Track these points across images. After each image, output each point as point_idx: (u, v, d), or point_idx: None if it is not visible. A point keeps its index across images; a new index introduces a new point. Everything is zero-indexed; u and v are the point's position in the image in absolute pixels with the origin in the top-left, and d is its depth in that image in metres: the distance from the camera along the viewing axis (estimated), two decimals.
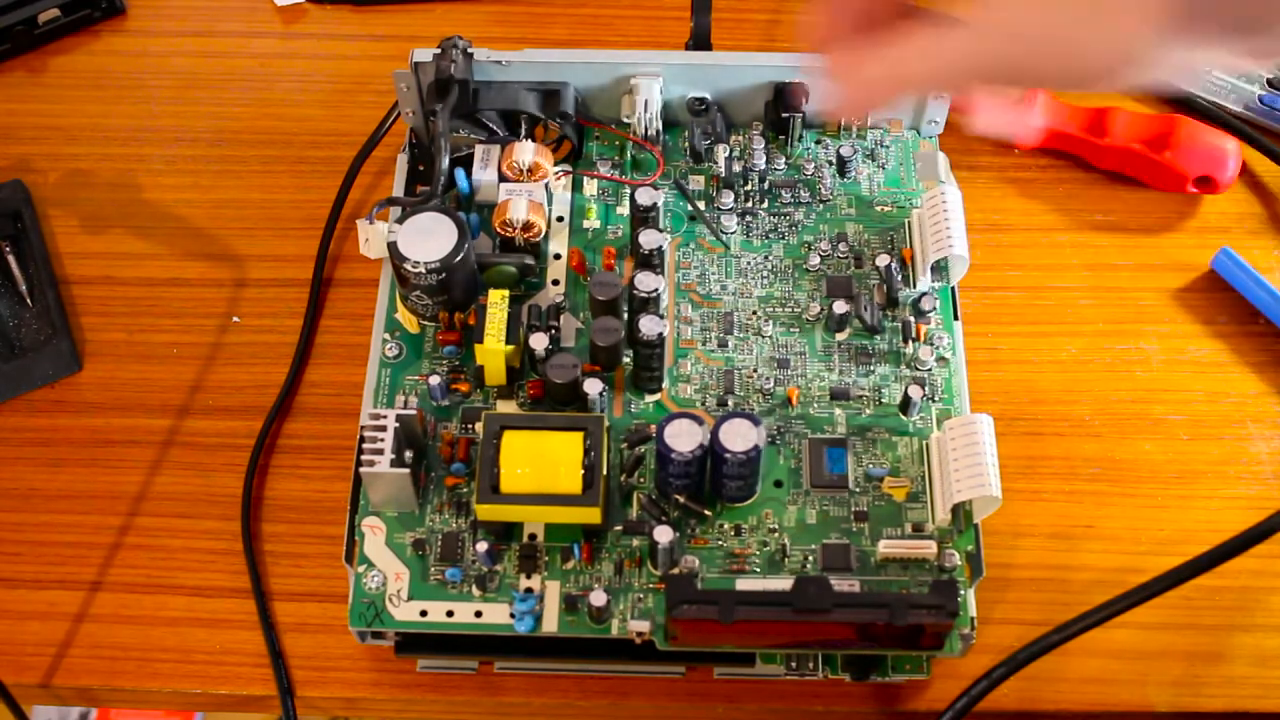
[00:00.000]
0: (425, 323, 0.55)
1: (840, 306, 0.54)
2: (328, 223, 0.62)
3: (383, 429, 0.49)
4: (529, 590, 0.49)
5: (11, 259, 0.61)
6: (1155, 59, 0.35)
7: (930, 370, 0.54)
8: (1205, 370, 0.58)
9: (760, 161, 0.59)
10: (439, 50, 0.57)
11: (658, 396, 0.53)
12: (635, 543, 0.50)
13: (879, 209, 0.58)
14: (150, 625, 0.53)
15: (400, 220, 0.52)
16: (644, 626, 0.48)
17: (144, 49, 0.69)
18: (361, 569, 0.49)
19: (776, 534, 0.50)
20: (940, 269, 0.56)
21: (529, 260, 0.55)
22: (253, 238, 0.62)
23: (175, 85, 0.68)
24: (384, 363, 0.54)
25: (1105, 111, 0.62)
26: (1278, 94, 0.64)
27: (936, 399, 0.53)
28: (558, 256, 0.57)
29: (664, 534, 0.48)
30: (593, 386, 0.51)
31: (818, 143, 0.60)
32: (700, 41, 0.62)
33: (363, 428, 0.50)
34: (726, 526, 0.50)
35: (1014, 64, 0.38)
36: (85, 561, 0.54)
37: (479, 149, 0.58)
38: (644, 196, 0.55)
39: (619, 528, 0.50)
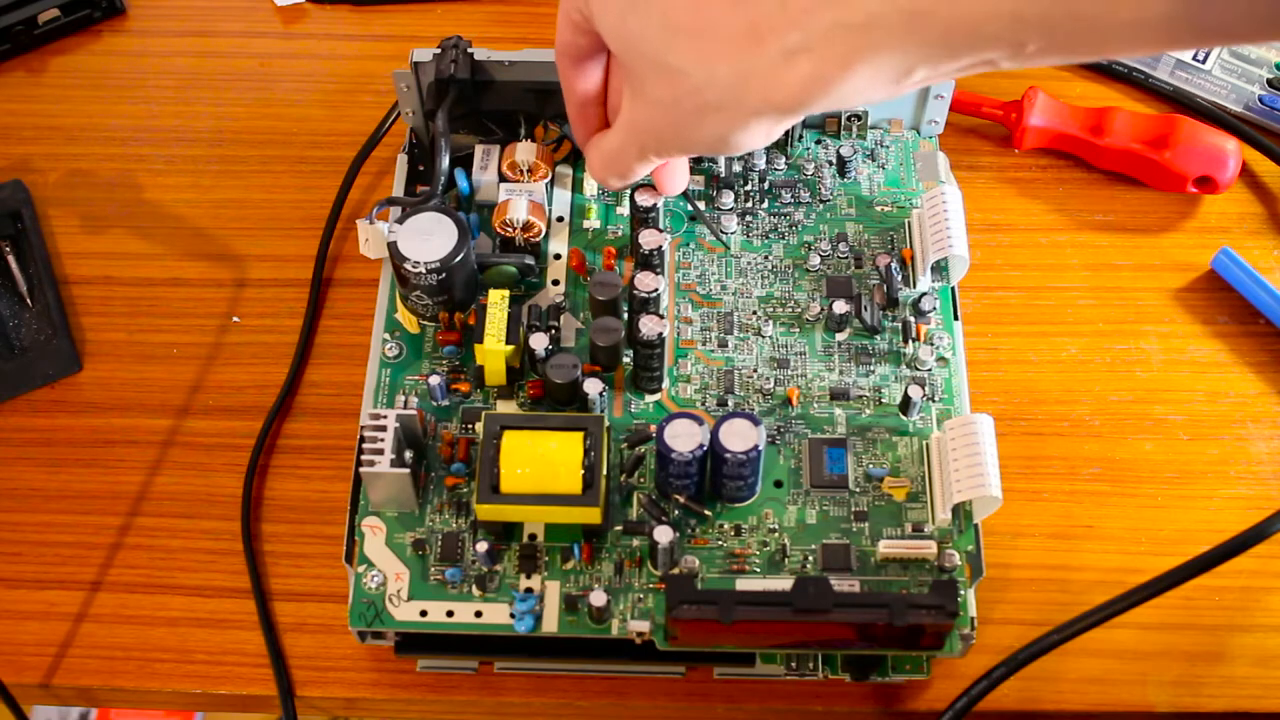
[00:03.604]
0: (425, 323, 0.55)
1: (840, 306, 0.54)
2: (328, 223, 0.62)
3: (383, 429, 0.49)
4: (529, 590, 0.49)
5: (11, 259, 0.61)
6: (751, 139, 0.42)
7: (930, 370, 0.54)
8: (1205, 370, 0.58)
9: (760, 161, 0.59)
10: (439, 50, 0.57)
11: (658, 396, 0.53)
12: (635, 543, 0.50)
13: (879, 209, 0.58)
14: (150, 625, 0.53)
15: (400, 220, 0.52)
16: (644, 626, 0.48)
17: (144, 49, 0.69)
18: (361, 569, 0.49)
19: (776, 534, 0.50)
20: (940, 269, 0.56)
21: (529, 260, 0.55)
22: (253, 238, 0.62)
23: (175, 85, 0.68)
24: (384, 363, 0.54)
25: (1105, 111, 0.62)
26: (1278, 94, 0.64)
27: (936, 399, 0.53)
28: (558, 256, 0.57)
29: (664, 534, 0.48)
30: (593, 386, 0.51)
31: (818, 143, 0.60)
32: None
33: (363, 428, 0.50)
34: (726, 526, 0.50)
35: (675, 137, 0.44)
36: (85, 561, 0.54)
37: (479, 149, 0.58)
38: (644, 197, 0.54)
39: (619, 528, 0.50)
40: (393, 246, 0.52)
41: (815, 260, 0.57)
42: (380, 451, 0.48)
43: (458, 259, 0.52)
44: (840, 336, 0.55)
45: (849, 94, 0.39)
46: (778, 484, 0.51)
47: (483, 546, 0.49)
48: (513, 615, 0.48)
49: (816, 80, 0.38)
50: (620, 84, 0.47)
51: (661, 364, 0.53)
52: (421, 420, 0.51)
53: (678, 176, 0.52)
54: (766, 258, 0.57)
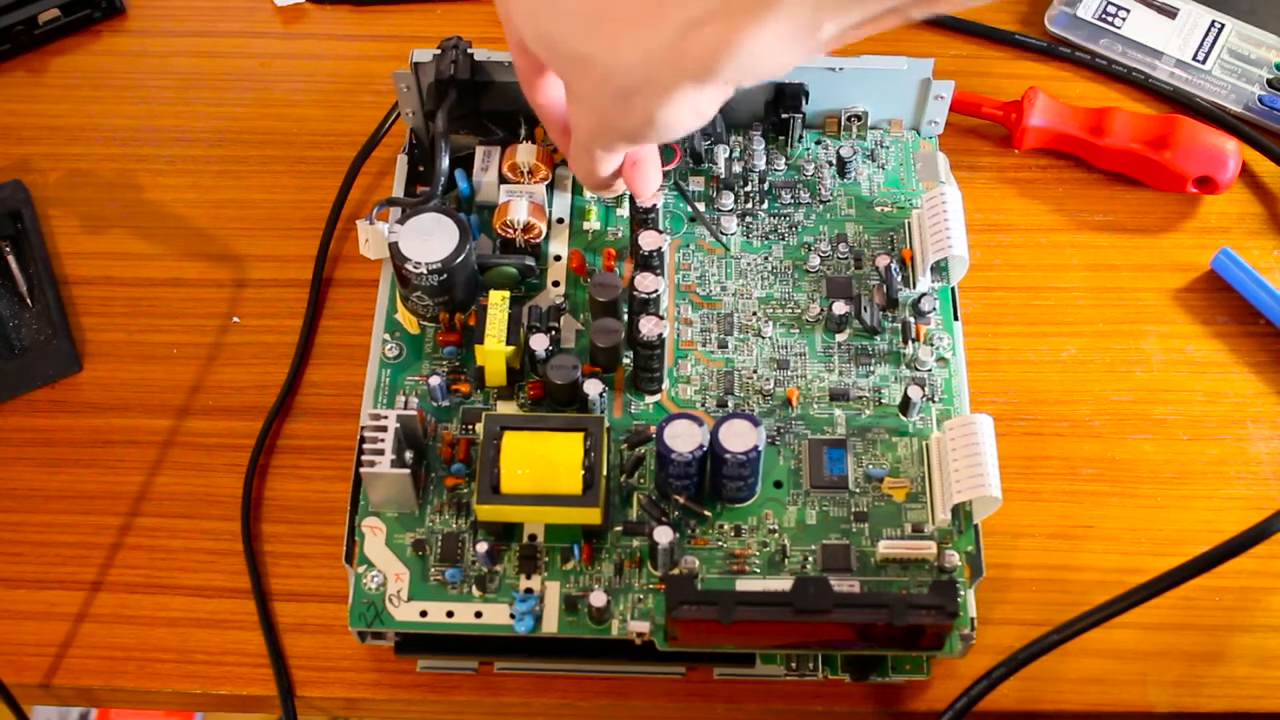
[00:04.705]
0: (425, 323, 0.55)
1: (840, 307, 0.54)
2: (328, 223, 0.62)
3: (383, 429, 0.49)
4: (529, 591, 0.49)
5: (11, 259, 0.61)
6: (679, 116, 0.42)
7: (930, 370, 0.54)
8: (1205, 370, 0.58)
9: (760, 162, 0.59)
10: (439, 50, 0.57)
11: (658, 397, 0.53)
12: (635, 543, 0.50)
13: (879, 209, 0.58)
14: (150, 625, 0.53)
15: (401, 221, 0.53)
16: (644, 627, 0.48)
17: (144, 49, 0.69)
18: (361, 569, 0.49)
19: (776, 534, 0.50)
20: (940, 269, 0.56)
21: (529, 261, 0.55)
22: (253, 238, 0.62)
23: (175, 85, 0.68)
24: (384, 363, 0.54)
25: (1105, 111, 0.62)
26: (1278, 94, 0.64)
27: (936, 399, 0.53)
28: (558, 258, 0.57)
29: (664, 534, 0.48)
30: (593, 387, 0.51)
31: (818, 143, 0.60)
32: None
33: (363, 428, 0.50)
34: (726, 527, 0.50)
35: (611, 130, 0.45)
36: (85, 561, 0.54)
37: (479, 150, 0.58)
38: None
39: (619, 528, 0.50)
40: (393, 247, 0.52)
41: (815, 261, 0.57)
42: (380, 452, 0.48)
43: (458, 260, 0.52)
44: (840, 337, 0.55)
45: (761, 56, 0.38)
46: (778, 484, 0.51)
47: (483, 547, 0.49)
48: (513, 615, 0.48)
49: (723, 46, 0.38)
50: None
51: (661, 365, 0.53)
52: (421, 420, 0.51)
53: (647, 177, 0.51)
54: (766, 259, 0.57)
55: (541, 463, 0.48)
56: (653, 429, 0.51)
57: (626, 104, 0.42)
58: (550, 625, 0.48)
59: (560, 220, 0.58)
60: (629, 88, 0.41)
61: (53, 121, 0.66)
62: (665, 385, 0.54)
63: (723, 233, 0.57)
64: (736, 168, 0.59)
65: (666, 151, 0.59)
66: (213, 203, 0.63)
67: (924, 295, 0.55)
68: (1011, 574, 0.53)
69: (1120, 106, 0.63)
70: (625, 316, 0.54)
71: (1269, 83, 0.65)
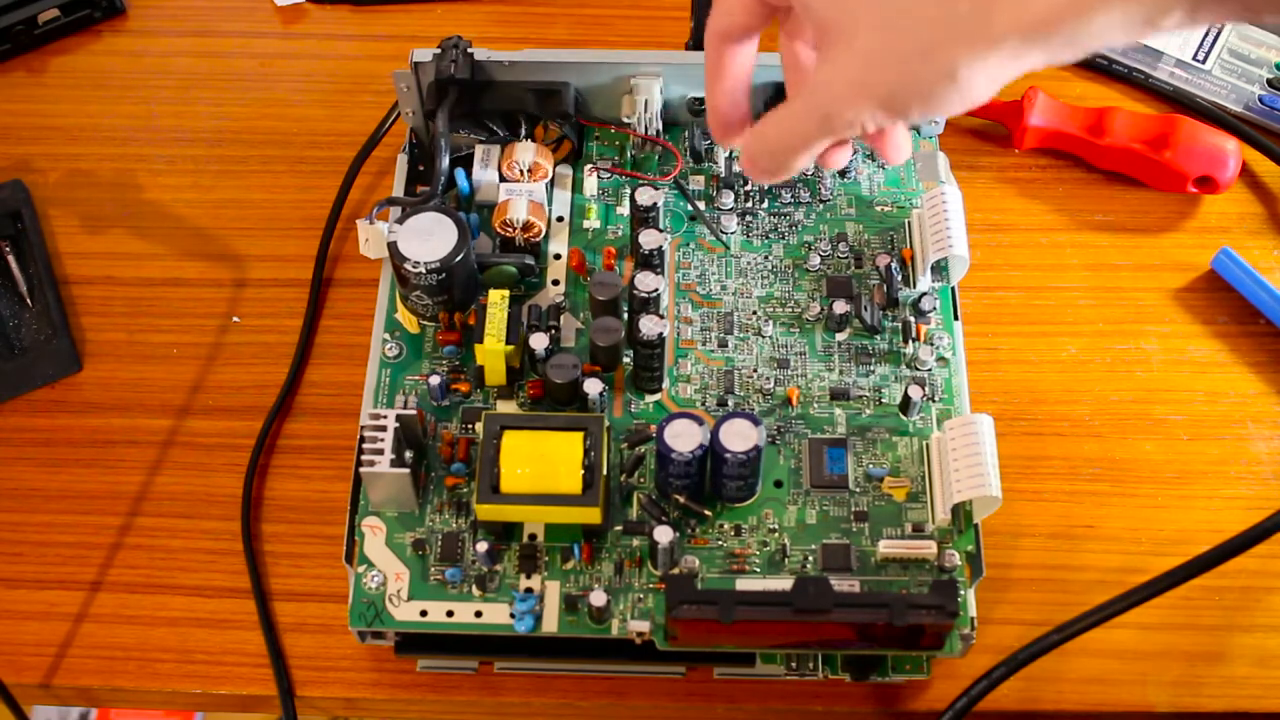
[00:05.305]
0: (425, 323, 0.55)
1: (840, 306, 0.54)
2: (328, 223, 0.62)
3: (383, 429, 0.49)
4: (529, 590, 0.49)
5: (11, 259, 0.61)
6: (975, 80, 0.38)
7: (930, 370, 0.54)
8: (1205, 370, 0.58)
9: None
10: (439, 50, 0.57)
11: (658, 396, 0.53)
12: (635, 543, 0.50)
13: (879, 209, 0.58)
14: (150, 625, 0.53)
15: (400, 220, 0.52)
16: (644, 626, 0.48)
17: (144, 49, 0.69)
18: (361, 569, 0.49)
19: (776, 534, 0.50)
20: (940, 269, 0.56)
21: (529, 260, 0.55)
22: (253, 238, 0.62)
23: (175, 85, 0.68)
24: (384, 363, 0.54)
25: (1105, 111, 0.62)
26: (1278, 94, 0.64)
27: (936, 399, 0.53)
28: (558, 256, 0.57)
29: (664, 534, 0.48)
30: (593, 386, 0.51)
31: None
32: (700, 41, 0.62)
33: (363, 428, 0.50)
34: (726, 526, 0.50)
35: (886, 88, 0.39)
36: (85, 561, 0.54)
37: (479, 149, 0.58)
38: (644, 196, 0.54)
39: (619, 528, 0.50)
40: (393, 246, 0.52)
41: (815, 260, 0.57)
42: (380, 451, 0.48)
43: (458, 259, 0.52)
44: (840, 336, 0.55)
45: (1100, 32, 0.35)
46: (778, 484, 0.51)
47: (483, 546, 0.49)
48: (513, 615, 0.48)
49: (1073, 9, 0.35)
50: (798, 54, 0.45)
51: (661, 364, 0.53)
52: (421, 420, 0.51)
53: (900, 139, 0.46)
54: (766, 258, 0.57)
55: (541, 462, 0.48)
56: (653, 428, 0.51)
57: (929, 56, 0.37)
58: (550, 625, 0.48)
59: (560, 219, 0.58)
60: (953, 34, 0.37)
61: (53, 121, 0.66)
62: (665, 384, 0.54)
63: (723, 231, 0.57)
64: (737, 167, 0.59)
65: (649, 162, 0.59)
66: (213, 203, 0.63)
67: (924, 295, 0.55)
68: (1011, 574, 0.53)
69: (1120, 106, 0.63)
70: (625, 315, 0.54)
71: (1269, 83, 0.65)
